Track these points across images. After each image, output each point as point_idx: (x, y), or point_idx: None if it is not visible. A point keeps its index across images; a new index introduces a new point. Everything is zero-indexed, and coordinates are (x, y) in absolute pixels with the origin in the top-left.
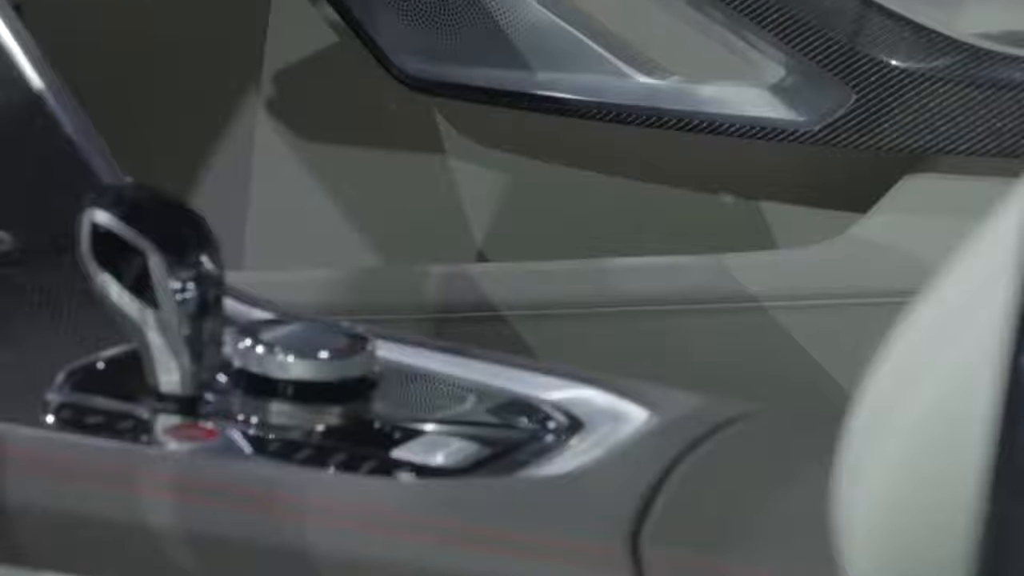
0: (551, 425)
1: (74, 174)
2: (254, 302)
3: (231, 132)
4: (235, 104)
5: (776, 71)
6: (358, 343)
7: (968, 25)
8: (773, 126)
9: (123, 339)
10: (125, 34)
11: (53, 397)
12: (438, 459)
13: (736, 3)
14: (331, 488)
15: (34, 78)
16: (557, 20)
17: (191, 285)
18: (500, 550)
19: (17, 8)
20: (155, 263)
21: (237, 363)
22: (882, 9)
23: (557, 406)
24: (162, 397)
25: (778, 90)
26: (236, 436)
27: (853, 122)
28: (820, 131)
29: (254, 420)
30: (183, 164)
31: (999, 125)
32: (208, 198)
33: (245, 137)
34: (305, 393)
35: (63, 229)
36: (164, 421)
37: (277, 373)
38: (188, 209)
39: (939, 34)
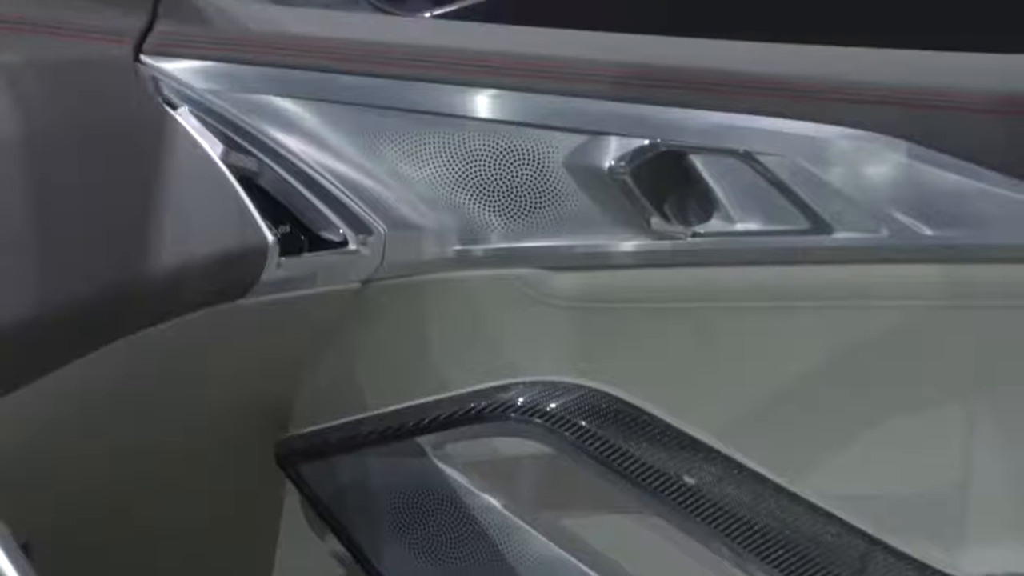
0: None
1: None
2: None
3: None
4: None
5: None
6: None
7: (972, 561)
8: None
9: None
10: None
11: None
12: None
13: (740, 539)
14: None
15: None
16: (561, 552)
17: None
18: None
19: (25, 547)
20: None
21: None
22: (887, 548)
23: None
24: None
25: None
26: None
27: None
28: None
29: None
30: None
31: None
32: None
33: None
34: None
35: None
36: None
37: None
38: None
39: None
